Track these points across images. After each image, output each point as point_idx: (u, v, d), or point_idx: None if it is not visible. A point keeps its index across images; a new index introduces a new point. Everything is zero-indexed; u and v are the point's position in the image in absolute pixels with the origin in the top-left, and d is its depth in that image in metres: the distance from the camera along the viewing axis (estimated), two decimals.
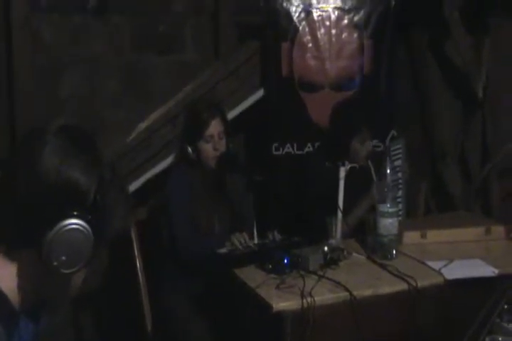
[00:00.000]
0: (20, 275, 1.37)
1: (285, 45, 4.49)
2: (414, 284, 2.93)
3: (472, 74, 4.75)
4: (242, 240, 3.34)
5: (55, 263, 1.32)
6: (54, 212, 1.32)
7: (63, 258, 1.33)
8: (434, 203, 4.97)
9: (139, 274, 3.63)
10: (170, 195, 3.55)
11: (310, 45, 4.54)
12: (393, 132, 3.68)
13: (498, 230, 3.56)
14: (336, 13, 4.58)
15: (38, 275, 1.38)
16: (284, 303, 2.77)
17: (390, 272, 3.06)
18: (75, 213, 1.33)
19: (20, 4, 4.14)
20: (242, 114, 4.45)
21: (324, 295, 2.84)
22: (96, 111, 4.41)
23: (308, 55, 4.54)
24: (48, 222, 1.32)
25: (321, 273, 3.01)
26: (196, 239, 3.48)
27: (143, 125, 4.26)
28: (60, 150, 1.36)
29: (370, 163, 3.67)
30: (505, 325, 2.33)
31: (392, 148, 3.77)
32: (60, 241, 1.32)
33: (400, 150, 3.77)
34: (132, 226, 3.64)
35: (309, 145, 4.53)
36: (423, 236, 3.50)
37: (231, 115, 4.22)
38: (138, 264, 3.64)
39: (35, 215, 1.33)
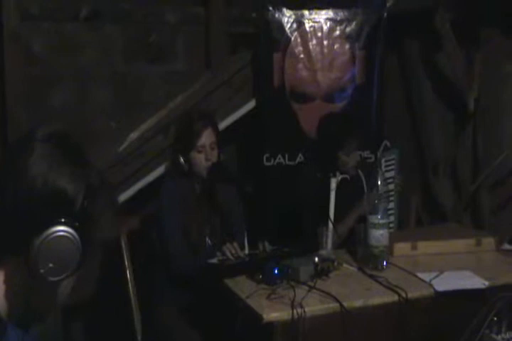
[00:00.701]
0: (8, 283, 1.36)
1: (277, 56, 4.50)
2: (404, 295, 2.93)
3: (463, 86, 4.76)
4: (233, 251, 3.34)
5: (42, 271, 1.31)
6: (41, 219, 1.31)
7: (50, 265, 1.31)
8: (425, 215, 4.98)
9: (129, 284, 3.62)
10: (161, 205, 3.55)
11: (302, 55, 4.54)
12: (386, 142, 3.68)
13: (489, 242, 3.57)
14: (328, 24, 4.58)
15: (26, 283, 1.36)
16: (274, 314, 2.76)
17: (381, 283, 3.06)
18: (62, 220, 1.32)
19: (11, 14, 4.13)
20: (233, 124, 4.45)
21: (315, 305, 2.84)
22: (87, 121, 4.40)
23: (300, 65, 4.54)
24: (35, 229, 1.31)
25: (311, 283, 3.01)
26: (188, 251, 3.48)
27: (134, 135, 4.25)
28: (48, 157, 1.35)
29: (360, 172, 3.67)
30: (495, 336, 2.33)
31: (384, 159, 3.77)
32: (47, 249, 1.31)
33: (393, 161, 3.78)
34: (123, 235, 3.64)
35: (300, 155, 4.53)
36: (413, 247, 3.51)
37: (223, 125, 4.22)
38: (128, 275, 3.63)
39: (21, 222, 1.32)
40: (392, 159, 3.80)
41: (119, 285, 3.67)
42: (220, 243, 3.47)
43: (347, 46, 4.64)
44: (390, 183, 3.67)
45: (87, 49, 4.48)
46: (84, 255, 1.35)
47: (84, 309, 4.05)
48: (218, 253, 3.35)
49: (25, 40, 4.27)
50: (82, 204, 1.35)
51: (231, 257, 3.31)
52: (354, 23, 4.63)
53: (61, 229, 1.31)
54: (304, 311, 2.76)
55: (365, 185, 3.62)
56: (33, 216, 1.32)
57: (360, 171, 3.72)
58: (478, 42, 4.76)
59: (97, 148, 3.92)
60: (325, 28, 4.57)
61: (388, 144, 3.75)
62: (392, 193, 3.70)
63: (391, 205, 3.76)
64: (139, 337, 3.56)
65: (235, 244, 3.38)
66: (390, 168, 3.77)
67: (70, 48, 4.43)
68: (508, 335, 2.53)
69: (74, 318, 4.26)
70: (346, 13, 4.63)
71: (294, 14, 4.50)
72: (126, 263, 3.63)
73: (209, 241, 3.59)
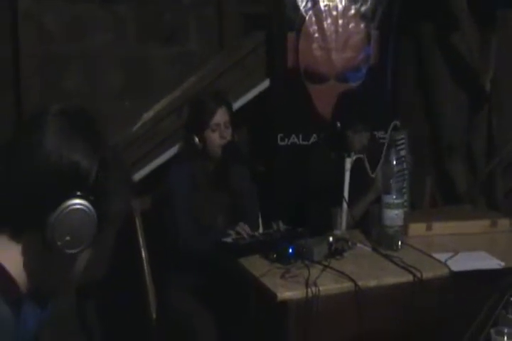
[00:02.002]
0: (25, 257, 1.37)
1: (291, 36, 4.46)
2: (419, 275, 2.93)
3: (479, 67, 4.73)
4: (246, 231, 3.34)
5: (59, 244, 1.32)
6: (56, 193, 1.32)
7: (67, 238, 1.33)
8: (439, 196, 4.95)
9: (144, 264, 3.62)
10: (172, 186, 3.54)
11: (316, 35, 4.50)
12: (396, 123, 3.66)
13: (504, 223, 3.56)
14: (343, 3, 4.54)
15: (43, 257, 1.37)
16: (288, 293, 2.76)
17: (395, 263, 3.06)
18: (78, 193, 1.33)
19: None
20: (247, 104, 4.43)
21: (329, 285, 2.84)
22: (100, 102, 4.40)
23: (315, 45, 4.50)
24: (51, 203, 1.32)
25: (325, 263, 3.01)
26: (199, 231, 3.47)
27: (148, 115, 4.24)
28: (61, 131, 1.36)
29: (364, 155, 3.63)
30: (511, 317, 2.32)
31: (395, 138, 3.75)
32: (64, 222, 1.32)
33: (403, 141, 3.75)
34: (138, 215, 3.64)
35: (315, 135, 4.51)
36: (428, 228, 3.50)
37: (236, 106, 4.20)
38: (143, 254, 3.63)
39: (37, 197, 1.33)
40: (403, 138, 3.78)
41: (133, 265, 3.68)
42: (232, 223, 3.46)
43: (362, 25, 4.60)
44: (403, 162, 3.65)
45: (101, 29, 4.47)
46: (99, 228, 1.36)
47: (98, 288, 4.07)
48: (231, 232, 3.35)
49: (39, 19, 4.27)
50: (96, 177, 1.35)
51: (245, 236, 3.31)
52: (369, 2, 4.59)
53: (77, 202, 1.33)
54: (318, 290, 2.76)
55: (367, 167, 3.59)
56: (49, 190, 1.33)
57: (364, 155, 3.67)
58: (494, 23, 4.72)
59: (110, 128, 3.90)
60: (340, 6, 4.53)
61: (398, 124, 3.72)
62: (406, 172, 3.68)
63: (404, 184, 3.74)
64: (154, 316, 3.56)
65: (247, 227, 3.37)
66: (400, 147, 3.75)
67: (84, 28, 4.42)
68: None
69: (87, 298, 4.28)
70: None
71: None
72: (141, 242, 3.63)
73: (221, 222, 3.58)
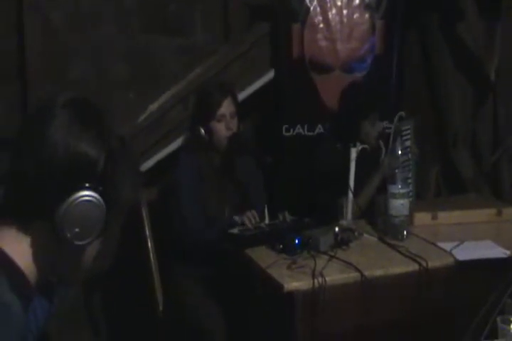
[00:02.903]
0: (34, 249, 1.37)
1: (296, 26, 4.45)
2: (425, 265, 2.94)
3: (484, 57, 4.72)
4: (254, 219, 3.34)
5: (69, 235, 1.33)
6: (65, 184, 1.33)
7: (76, 230, 1.33)
8: (444, 186, 4.96)
9: (151, 255, 3.63)
10: (179, 177, 3.54)
11: (321, 25, 4.49)
12: (401, 113, 3.66)
13: (510, 212, 3.56)
14: None
15: (52, 249, 1.38)
16: (295, 283, 2.78)
17: (401, 253, 3.07)
18: (87, 185, 1.33)
19: None
20: (252, 95, 4.43)
21: (335, 275, 2.85)
22: (106, 93, 4.40)
23: (319, 36, 4.50)
24: (60, 195, 1.32)
25: (331, 253, 3.02)
26: (206, 222, 3.48)
27: (153, 106, 4.25)
28: (67, 122, 1.36)
29: (381, 143, 3.66)
30: None
31: (401, 128, 3.75)
32: (73, 213, 1.32)
33: (409, 131, 3.76)
34: (144, 205, 3.64)
35: (320, 126, 4.51)
36: (434, 217, 3.51)
37: (241, 96, 4.19)
38: (149, 245, 3.64)
39: (46, 188, 1.33)
40: (408, 129, 3.78)
41: (139, 256, 3.69)
42: (239, 214, 3.47)
43: (366, 15, 4.58)
44: (408, 152, 3.66)
45: (105, 21, 4.47)
46: (108, 218, 1.37)
47: (104, 280, 4.07)
48: (237, 218, 3.36)
49: (44, 11, 4.27)
50: (104, 168, 1.36)
51: (251, 227, 3.32)
52: None
53: (86, 194, 1.33)
54: (325, 280, 2.77)
55: (385, 156, 3.61)
56: (57, 181, 1.33)
57: (381, 142, 3.71)
58: (499, 12, 4.70)
59: (116, 119, 3.91)
60: None
61: (403, 114, 3.73)
62: (411, 162, 3.68)
63: (409, 174, 3.74)
64: (161, 307, 3.58)
65: (255, 213, 3.38)
66: (406, 137, 3.75)
67: (89, 20, 4.42)
68: None
69: (93, 289, 4.29)
70: None
71: None
72: (148, 232, 3.64)
73: (228, 213, 3.59)
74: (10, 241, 1.36)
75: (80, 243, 1.35)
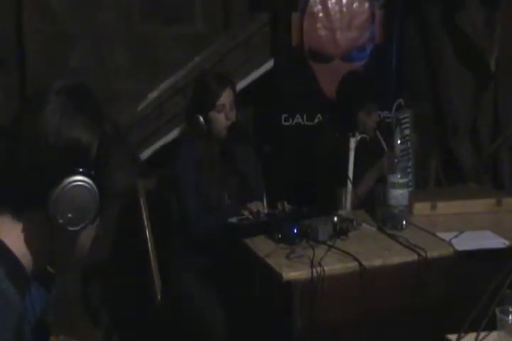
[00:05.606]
0: (28, 236, 1.36)
1: (295, 16, 4.44)
2: (423, 255, 2.93)
3: (485, 46, 4.71)
4: (260, 208, 3.35)
5: (61, 221, 1.32)
6: (57, 169, 1.32)
7: (69, 215, 1.33)
8: (444, 176, 4.95)
9: (149, 245, 3.63)
10: (179, 167, 3.54)
11: (321, 15, 4.48)
12: (400, 101, 3.66)
13: (509, 202, 3.56)
14: None
15: (47, 235, 1.37)
16: (293, 273, 2.77)
17: (400, 243, 3.06)
18: (79, 170, 1.33)
19: None
20: (251, 84, 4.42)
21: (334, 265, 2.84)
22: (105, 81, 4.39)
23: (319, 25, 4.48)
24: (52, 180, 1.32)
25: (330, 243, 3.02)
26: (204, 213, 3.48)
27: (153, 95, 4.24)
28: (60, 107, 1.36)
29: (378, 133, 3.65)
30: None
31: (399, 117, 3.75)
32: (65, 199, 1.32)
33: (407, 120, 3.75)
34: (142, 196, 3.64)
35: (319, 116, 4.50)
36: (433, 207, 3.50)
37: (241, 85, 4.19)
38: (148, 235, 3.64)
39: (38, 174, 1.33)
40: (407, 117, 3.77)
41: (137, 247, 3.69)
42: (238, 203, 3.47)
43: (366, 5, 4.57)
44: (407, 141, 3.65)
45: (105, 9, 4.45)
46: (101, 204, 1.36)
47: (102, 270, 4.08)
48: (246, 213, 3.36)
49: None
50: (97, 153, 1.35)
51: (250, 216, 3.32)
52: None
53: (78, 179, 1.33)
54: (323, 270, 2.77)
55: (384, 145, 3.60)
56: (49, 167, 1.33)
57: (378, 132, 3.70)
58: (499, 2, 4.69)
59: (115, 107, 3.90)
60: None
61: (402, 102, 3.73)
62: (410, 151, 3.68)
63: (409, 164, 3.74)
64: (158, 297, 3.58)
65: (259, 204, 3.39)
66: (405, 126, 3.74)
67: (88, 7, 4.40)
68: None
69: (92, 280, 4.29)
70: None
71: None
72: (145, 223, 3.64)
73: (228, 202, 3.59)
74: (5, 229, 1.35)
75: (73, 229, 1.34)
